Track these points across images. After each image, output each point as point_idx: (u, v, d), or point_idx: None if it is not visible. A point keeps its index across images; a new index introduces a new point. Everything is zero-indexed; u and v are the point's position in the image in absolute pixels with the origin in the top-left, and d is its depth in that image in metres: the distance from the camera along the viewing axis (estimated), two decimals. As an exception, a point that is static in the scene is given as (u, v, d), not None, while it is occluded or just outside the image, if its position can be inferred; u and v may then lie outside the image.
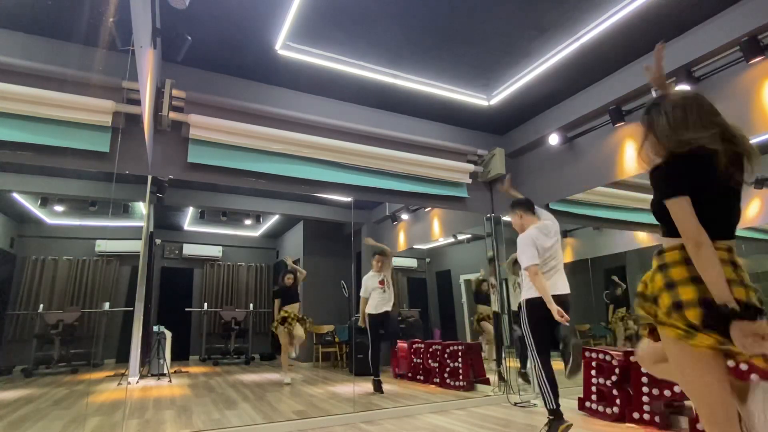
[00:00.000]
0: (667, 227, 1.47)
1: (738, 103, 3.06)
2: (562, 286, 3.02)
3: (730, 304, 1.25)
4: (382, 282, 4.99)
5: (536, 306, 2.91)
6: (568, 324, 2.78)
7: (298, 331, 5.53)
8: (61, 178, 3.65)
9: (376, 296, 4.93)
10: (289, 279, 5.79)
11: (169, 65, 3.57)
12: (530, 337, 2.95)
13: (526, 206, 3.24)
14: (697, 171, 1.41)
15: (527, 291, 3.01)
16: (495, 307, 4.80)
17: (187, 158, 3.47)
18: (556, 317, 2.75)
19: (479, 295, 5.48)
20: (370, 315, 4.89)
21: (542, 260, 2.98)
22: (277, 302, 5.72)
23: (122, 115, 3.24)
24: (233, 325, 7.81)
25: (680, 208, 1.38)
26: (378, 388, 4.60)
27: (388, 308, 4.94)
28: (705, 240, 1.32)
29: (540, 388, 2.87)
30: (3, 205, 5.25)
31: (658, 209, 1.48)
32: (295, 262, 7.65)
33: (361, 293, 5.03)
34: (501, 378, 4.54)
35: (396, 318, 5.77)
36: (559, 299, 2.89)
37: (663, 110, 1.50)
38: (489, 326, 5.11)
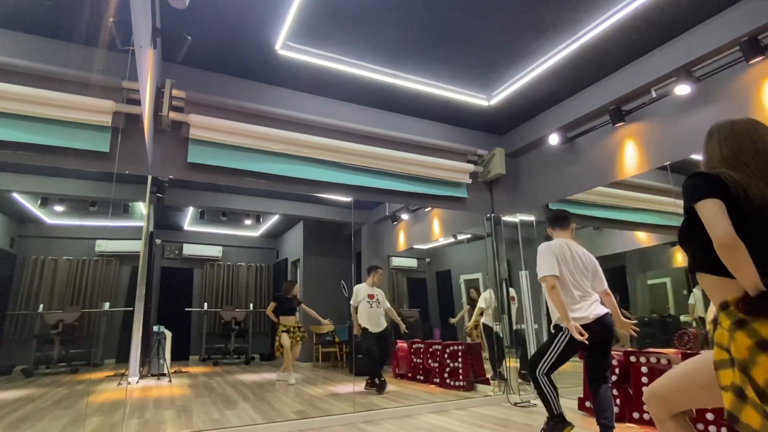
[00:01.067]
0: (694, 258, 1.40)
1: (738, 103, 3.05)
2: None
3: None
4: (372, 296, 4.99)
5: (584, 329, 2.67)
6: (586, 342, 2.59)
7: (297, 349, 5.69)
8: (61, 178, 3.65)
9: (365, 308, 4.92)
10: (296, 289, 5.90)
11: (169, 65, 3.58)
12: (554, 353, 2.75)
13: (550, 220, 3.05)
14: (723, 186, 1.34)
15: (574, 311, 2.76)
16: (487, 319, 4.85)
17: (187, 158, 3.47)
18: (575, 335, 2.56)
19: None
20: (367, 330, 4.88)
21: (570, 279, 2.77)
22: (273, 305, 5.80)
23: (122, 115, 3.24)
24: (233, 325, 7.81)
25: (710, 209, 1.30)
26: (380, 387, 4.58)
27: (384, 328, 4.97)
28: (737, 241, 1.24)
29: (543, 397, 2.75)
30: (3, 205, 5.24)
31: (686, 232, 1.41)
32: (295, 261, 7.66)
33: (351, 301, 5.04)
34: (501, 378, 4.54)
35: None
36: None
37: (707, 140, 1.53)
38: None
